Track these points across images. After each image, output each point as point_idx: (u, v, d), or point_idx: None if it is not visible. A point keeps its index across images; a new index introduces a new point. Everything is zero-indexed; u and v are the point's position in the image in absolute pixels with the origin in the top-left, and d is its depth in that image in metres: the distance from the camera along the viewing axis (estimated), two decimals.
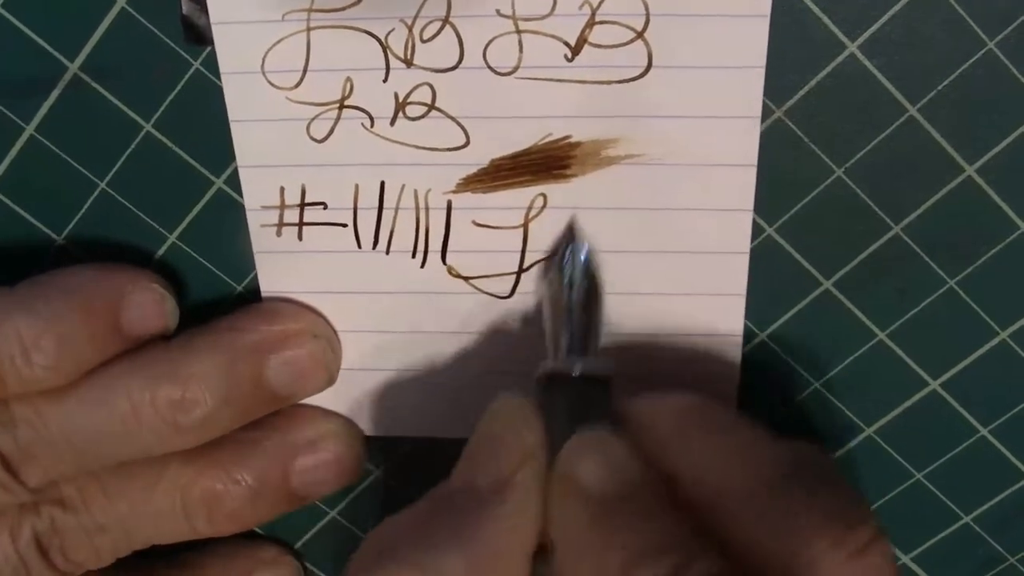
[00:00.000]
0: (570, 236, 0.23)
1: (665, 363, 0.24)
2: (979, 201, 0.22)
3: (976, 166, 0.22)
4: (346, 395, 0.25)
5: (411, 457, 0.26)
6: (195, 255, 0.24)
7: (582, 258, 0.23)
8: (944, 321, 0.23)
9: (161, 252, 0.24)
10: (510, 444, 0.19)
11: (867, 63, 0.21)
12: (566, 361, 0.21)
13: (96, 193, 0.24)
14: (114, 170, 0.24)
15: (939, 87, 0.21)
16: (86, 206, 0.24)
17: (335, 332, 0.24)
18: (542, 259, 0.23)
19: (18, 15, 0.22)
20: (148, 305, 0.23)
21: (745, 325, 0.24)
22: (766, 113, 0.22)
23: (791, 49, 0.21)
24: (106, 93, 0.23)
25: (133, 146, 0.23)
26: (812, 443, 0.21)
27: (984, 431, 0.24)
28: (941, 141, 0.22)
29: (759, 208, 0.22)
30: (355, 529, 0.28)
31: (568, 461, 0.19)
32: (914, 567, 0.26)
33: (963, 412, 0.24)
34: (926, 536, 0.26)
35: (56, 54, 0.22)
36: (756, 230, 0.23)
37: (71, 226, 0.24)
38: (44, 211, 0.24)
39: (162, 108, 0.23)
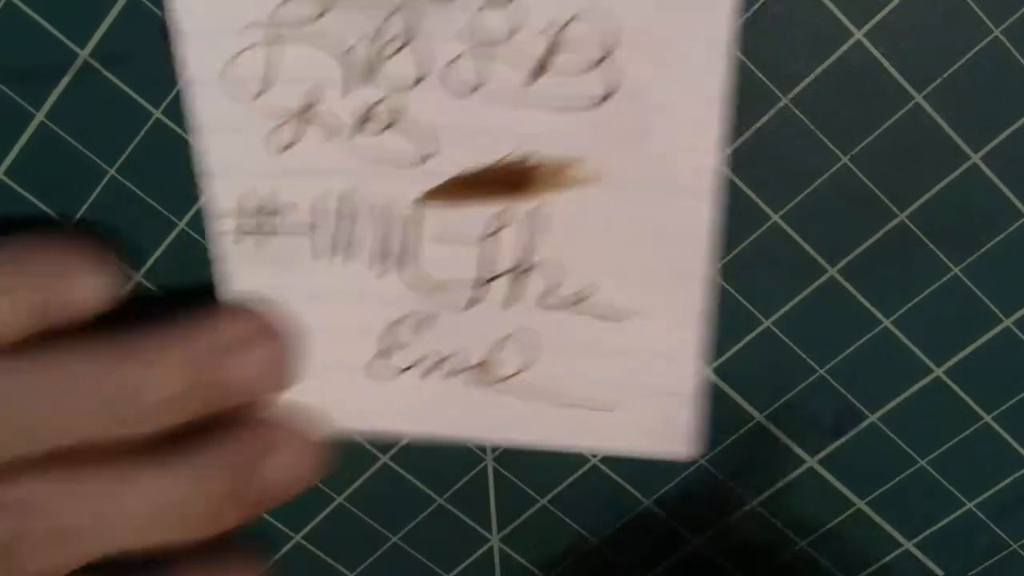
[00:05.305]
0: None
1: (619, 385, 0.24)
2: (984, 189, 0.22)
3: (981, 153, 0.22)
4: (308, 398, 0.25)
5: (415, 443, 0.27)
6: (205, 243, 0.25)
7: None
8: (948, 308, 0.23)
9: (170, 239, 0.25)
10: None
11: (873, 51, 0.21)
12: None
13: (106, 180, 0.24)
14: (124, 157, 0.24)
15: (945, 75, 0.21)
16: (96, 193, 0.24)
17: (294, 337, 0.25)
18: (501, 273, 0.24)
19: (28, 1, 0.22)
20: (86, 278, 0.23)
21: (749, 311, 0.24)
22: (772, 100, 0.22)
23: (797, 36, 0.21)
24: (116, 80, 0.23)
25: (143, 133, 0.23)
26: None
27: (988, 418, 0.25)
28: (947, 129, 0.22)
29: (764, 195, 0.23)
30: (362, 515, 0.28)
31: None
32: (917, 553, 0.27)
33: (967, 399, 0.24)
34: (929, 522, 0.26)
35: (66, 41, 0.23)
36: (761, 217, 0.23)
37: (81, 213, 0.24)
38: (54, 197, 0.24)
39: (172, 95, 0.23)
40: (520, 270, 0.24)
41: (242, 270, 0.24)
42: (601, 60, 0.21)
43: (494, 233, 0.23)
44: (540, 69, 0.22)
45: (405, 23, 0.21)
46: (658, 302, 0.24)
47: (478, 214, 0.23)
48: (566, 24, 0.21)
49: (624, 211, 0.23)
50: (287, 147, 0.23)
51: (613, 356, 0.24)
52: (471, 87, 0.22)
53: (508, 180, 0.23)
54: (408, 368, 0.25)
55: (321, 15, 0.21)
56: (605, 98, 0.22)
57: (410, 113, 0.22)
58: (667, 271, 0.23)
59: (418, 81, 0.22)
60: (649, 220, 0.23)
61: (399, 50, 0.22)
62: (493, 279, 0.24)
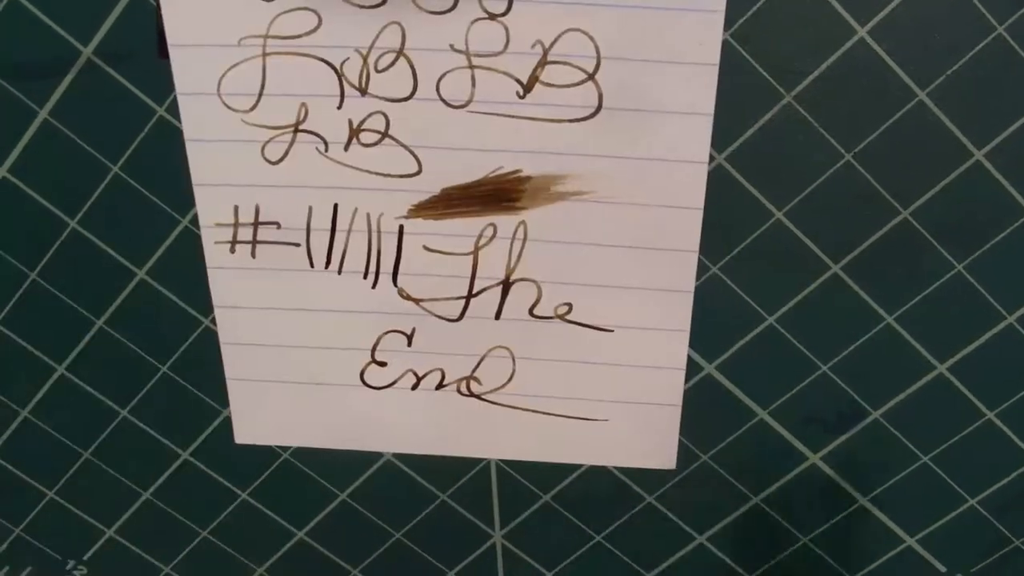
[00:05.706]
0: None
1: (606, 397, 0.25)
2: (987, 186, 0.22)
3: (984, 151, 0.22)
4: (299, 408, 0.26)
5: None
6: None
7: None
8: (952, 305, 0.23)
9: (174, 235, 0.25)
10: None
11: (876, 48, 0.21)
12: None
13: (109, 177, 0.24)
14: (127, 154, 0.24)
15: (948, 72, 0.21)
16: (99, 189, 0.24)
17: None
18: (491, 285, 0.24)
19: (33, 0, 0.22)
20: None
21: (752, 308, 0.24)
22: (776, 98, 0.22)
23: (801, 33, 0.21)
24: (119, 77, 0.23)
25: (146, 130, 0.23)
26: None
27: (990, 414, 0.25)
28: (950, 126, 0.22)
29: (767, 192, 0.23)
30: (366, 512, 0.28)
31: None
32: (920, 549, 0.27)
33: (970, 396, 0.24)
34: (932, 519, 0.26)
35: (70, 39, 0.23)
36: (765, 214, 0.23)
37: (84, 209, 0.24)
38: (58, 194, 0.24)
39: (175, 92, 0.23)
40: (510, 282, 0.24)
41: (236, 280, 0.25)
42: (591, 73, 0.21)
43: (484, 245, 0.24)
44: (531, 82, 0.22)
45: (398, 37, 0.22)
46: (646, 314, 0.24)
47: (469, 226, 0.23)
48: (557, 38, 0.21)
49: (613, 224, 0.23)
50: (282, 159, 0.23)
51: (601, 367, 0.25)
52: (462, 100, 0.22)
53: (498, 193, 0.23)
54: (400, 378, 0.25)
55: (315, 29, 0.22)
56: (595, 111, 0.22)
57: (402, 126, 0.22)
58: (656, 283, 0.23)
59: (410, 94, 0.22)
60: (639, 233, 0.23)
61: (392, 64, 0.22)
62: (483, 291, 0.24)
